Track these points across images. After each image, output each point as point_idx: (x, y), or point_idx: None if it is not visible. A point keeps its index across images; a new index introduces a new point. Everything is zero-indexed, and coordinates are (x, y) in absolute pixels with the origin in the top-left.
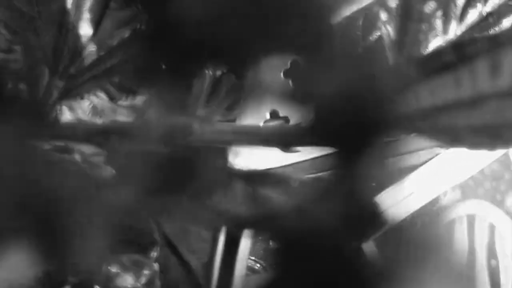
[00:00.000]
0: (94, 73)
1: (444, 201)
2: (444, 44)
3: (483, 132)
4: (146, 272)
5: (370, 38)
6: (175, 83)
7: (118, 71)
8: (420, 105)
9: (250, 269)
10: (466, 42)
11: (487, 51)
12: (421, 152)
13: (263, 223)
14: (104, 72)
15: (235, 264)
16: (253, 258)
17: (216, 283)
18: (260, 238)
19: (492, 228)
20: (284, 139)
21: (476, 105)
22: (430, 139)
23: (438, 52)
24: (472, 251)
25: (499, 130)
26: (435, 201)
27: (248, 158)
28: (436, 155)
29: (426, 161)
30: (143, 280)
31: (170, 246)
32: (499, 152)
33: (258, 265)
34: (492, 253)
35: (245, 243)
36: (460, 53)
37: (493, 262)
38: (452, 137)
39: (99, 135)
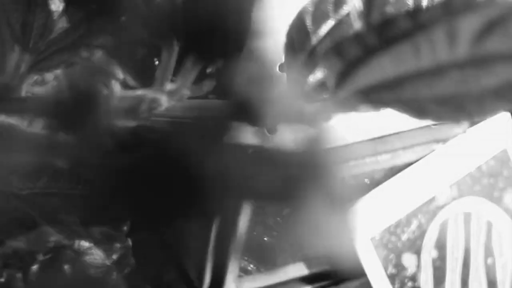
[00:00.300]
0: (60, 46)
1: (440, 199)
2: (399, 11)
3: (447, 103)
4: (117, 245)
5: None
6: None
7: (84, 44)
8: (384, 76)
9: (243, 270)
10: (422, 9)
11: (443, 18)
12: (416, 148)
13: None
14: (71, 45)
15: (227, 264)
16: (246, 258)
17: (208, 283)
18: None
19: (489, 226)
20: (252, 115)
21: (437, 76)
22: (397, 111)
23: (394, 19)
24: (468, 249)
25: (462, 102)
26: (431, 200)
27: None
28: (432, 151)
29: (421, 158)
30: (114, 255)
31: (163, 244)
32: (497, 149)
33: (251, 265)
34: (489, 251)
35: (238, 242)
36: (416, 20)
37: (489, 260)
38: (417, 109)
39: (64, 109)
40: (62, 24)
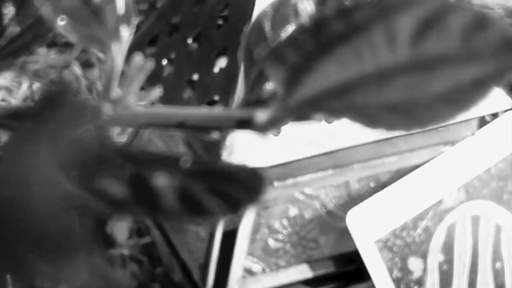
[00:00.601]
0: (7, 51)
1: (448, 202)
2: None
3: (397, 111)
4: None
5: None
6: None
7: (31, 49)
8: (331, 83)
9: (248, 271)
10: (352, 8)
11: (378, 17)
12: (423, 151)
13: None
14: (18, 50)
15: (231, 264)
16: (250, 259)
17: (212, 284)
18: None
19: (498, 230)
20: (204, 123)
21: (383, 81)
22: (350, 120)
23: (323, 20)
24: (475, 253)
25: (412, 109)
26: (438, 202)
27: (244, 155)
28: (440, 153)
29: (428, 160)
30: None
31: (170, 245)
32: (506, 151)
33: (256, 266)
34: (497, 255)
35: (242, 243)
36: (348, 20)
37: (498, 264)
38: (369, 117)
39: (9, 117)
40: (13, 28)
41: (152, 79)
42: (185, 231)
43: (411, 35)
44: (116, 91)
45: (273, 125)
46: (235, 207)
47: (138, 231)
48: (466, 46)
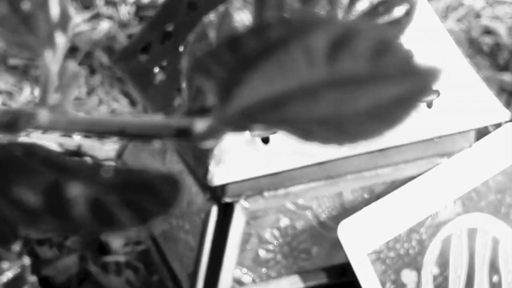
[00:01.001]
0: None
1: (443, 214)
2: (242, 29)
3: (327, 125)
4: (6, 266)
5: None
6: None
7: None
8: (260, 96)
9: (237, 281)
10: (266, 26)
11: (293, 35)
12: (418, 162)
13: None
14: None
15: (220, 274)
16: (240, 268)
17: None
18: None
19: (495, 243)
20: (144, 131)
21: (309, 97)
22: (286, 133)
23: (238, 37)
24: (472, 266)
25: (341, 124)
26: (434, 215)
27: (233, 164)
28: (436, 165)
29: (423, 172)
30: (4, 277)
31: (161, 253)
32: (505, 163)
33: (247, 276)
34: (494, 269)
35: (232, 253)
36: (265, 38)
37: (495, 277)
38: (303, 131)
39: None
40: None
41: (144, 86)
42: (175, 240)
43: (326, 54)
44: (52, 98)
45: (211, 135)
46: (146, 218)
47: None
48: (374, 67)
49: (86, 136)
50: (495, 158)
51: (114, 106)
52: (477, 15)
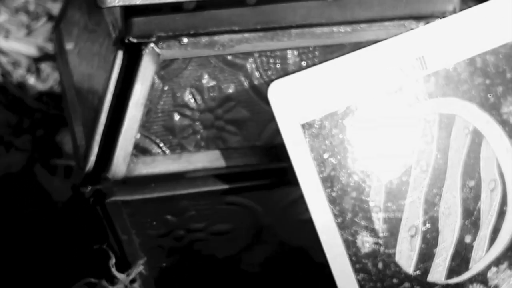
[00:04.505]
0: None
1: (409, 93)
2: None
3: None
4: None
5: None
6: None
7: None
8: None
9: (142, 149)
10: None
11: None
12: (385, 23)
13: None
14: None
15: (118, 137)
16: (146, 134)
17: (94, 162)
18: None
19: (477, 138)
20: None
21: None
22: None
23: None
24: (441, 162)
25: None
26: (396, 90)
27: None
28: (408, 30)
29: (390, 37)
30: None
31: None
32: (499, 41)
33: (154, 145)
34: (471, 171)
35: (134, 111)
36: None
37: (471, 182)
38: None
39: None
40: None
41: None
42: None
43: None
44: None
45: None
46: None
47: None
48: None
49: None
50: (487, 32)
51: None
52: None
